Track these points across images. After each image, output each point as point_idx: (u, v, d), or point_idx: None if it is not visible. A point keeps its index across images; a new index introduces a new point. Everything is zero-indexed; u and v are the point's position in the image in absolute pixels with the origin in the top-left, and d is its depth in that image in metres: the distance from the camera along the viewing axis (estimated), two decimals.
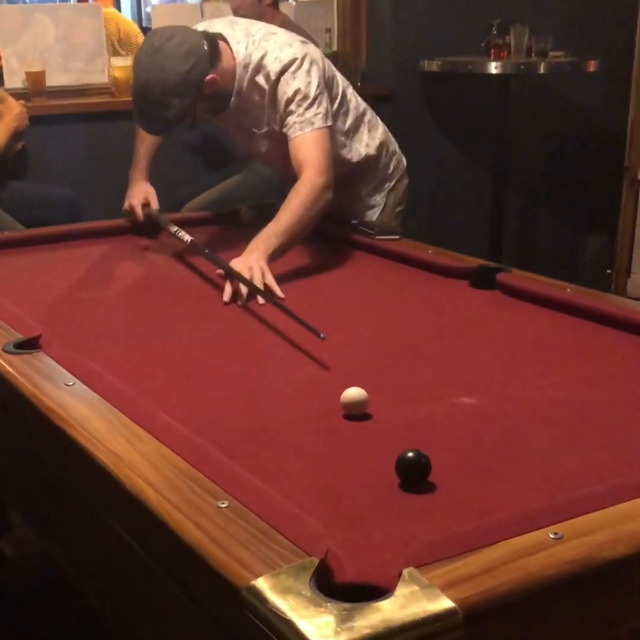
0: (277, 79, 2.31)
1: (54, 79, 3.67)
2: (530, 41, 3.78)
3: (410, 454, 1.22)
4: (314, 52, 2.40)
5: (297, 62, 2.31)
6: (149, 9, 9.32)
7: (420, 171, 3.01)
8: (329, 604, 0.91)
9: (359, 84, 4.01)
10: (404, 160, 2.80)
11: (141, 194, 2.57)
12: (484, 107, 4.04)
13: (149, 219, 2.54)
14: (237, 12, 3.49)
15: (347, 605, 0.91)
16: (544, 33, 3.80)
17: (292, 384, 1.61)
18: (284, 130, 2.30)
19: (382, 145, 2.67)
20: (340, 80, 2.54)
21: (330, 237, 2.50)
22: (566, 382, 1.62)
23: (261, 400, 1.57)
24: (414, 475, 1.22)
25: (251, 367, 1.73)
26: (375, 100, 3.93)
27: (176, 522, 1.09)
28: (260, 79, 2.35)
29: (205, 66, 2.25)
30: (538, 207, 4.50)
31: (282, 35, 2.42)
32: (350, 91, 2.59)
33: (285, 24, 3.51)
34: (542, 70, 3.81)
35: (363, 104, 2.64)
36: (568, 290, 2.00)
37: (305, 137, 2.26)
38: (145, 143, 2.61)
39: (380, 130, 2.68)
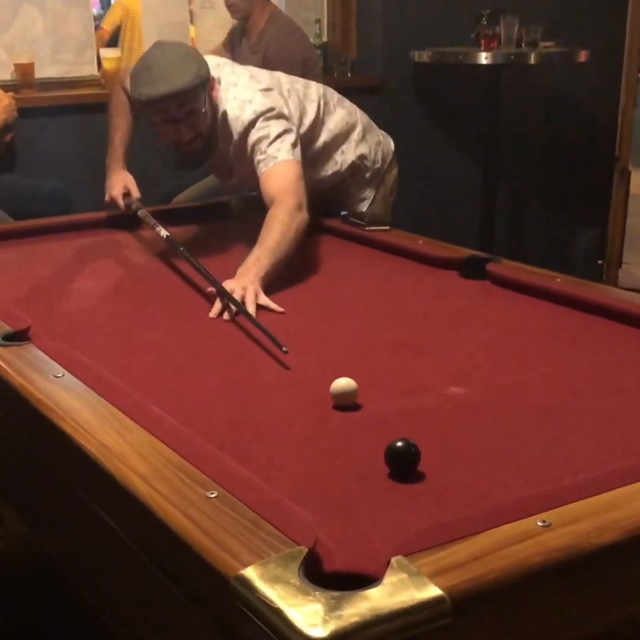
0: (243, 139, 2.31)
1: (43, 71, 3.65)
2: (521, 31, 3.77)
3: (399, 444, 1.22)
4: (276, 98, 2.37)
5: (258, 117, 2.28)
6: None
7: (410, 162, 3.01)
8: (317, 593, 0.91)
9: (349, 75, 4.02)
10: (391, 145, 2.79)
11: (120, 183, 2.54)
12: (474, 98, 4.04)
13: (130, 209, 2.52)
14: (228, 2, 3.48)
15: (335, 593, 0.91)
16: (534, 23, 3.80)
17: (282, 375, 1.61)
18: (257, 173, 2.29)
19: (363, 153, 2.66)
20: (312, 108, 2.51)
21: (320, 228, 2.50)
22: (556, 372, 1.62)
23: (250, 391, 1.57)
24: (403, 465, 1.22)
25: (240, 358, 1.72)
26: (365, 91, 3.93)
27: (166, 513, 1.09)
28: (227, 134, 2.34)
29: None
30: (529, 197, 4.51)
31: (243, 89, 2.36)
32: (323, 109, 2.55)
33: (275, 15, 3.50)
34: (532, 60, 3.80)
35: (339, 114, 2.61)
36: (558, 280, 2.01)
37: (270, 171, 2.24)
38: (120, 131, 2.58)
39: (356, 131, 2.65)
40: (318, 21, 4.06)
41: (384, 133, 2.83)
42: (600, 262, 4.49)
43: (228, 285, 1.93)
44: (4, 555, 2.43)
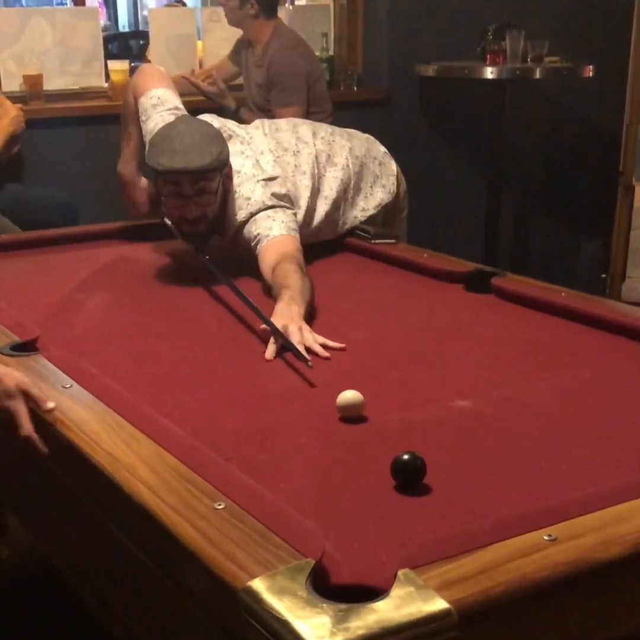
0: (239, 234, 2.29)
1: (51, 83, 3.67)
2: (526, 46, 3.79)
3: (405, 456, 1.23)
4: (279, 186, 2.32)
5: (253, 216, 2.26)
6: (145, 13, 9.35)
7: (415, 175, 3.02)
8: (324, 605, 0.91)
9: (355, 89, 4.04)
10: (393, 167, 2.67)
11: (147, 198, 2.56)
12: (480, 112, 4.05)
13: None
14: (225, 11, 3.54)
15: (342, 605, 0.91)
16: (540, 38, 3.82)
17: (289, 387, 1.62)
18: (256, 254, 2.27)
19: (363, 209, 2.59)
20: (305, 182, 2.42)
21: (325, 240, 2.50)
22: (560, 385, 1.63)
23: (257, 402, 1.57)
24: (410, 477, 1.23)
25: (248, 369, 1.73)
26: (371, 105, 3.95)
27: (173, 524, 1.09)
28: (227, 226, 2.31)
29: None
30: (533, 211, 4.52)
31: (245, 181, 2.30)
32: (317, 180, 2.46)
33: (279, 29, 3.52)
34: (537, 75, 3.82)
35: (331, 175, 2.50)
36: (563, 294, 2.01)
37: (266, 246, 2.20)
38: (133, 139, 2.55)
39: (351, 186, 2.53)
40: (325, 35, 4.08)
41: (383, 154, 2.68)
42: (603, 275, 4.50)
43: (279, 323, 1.82)
44: (9, 563, 2.43)
